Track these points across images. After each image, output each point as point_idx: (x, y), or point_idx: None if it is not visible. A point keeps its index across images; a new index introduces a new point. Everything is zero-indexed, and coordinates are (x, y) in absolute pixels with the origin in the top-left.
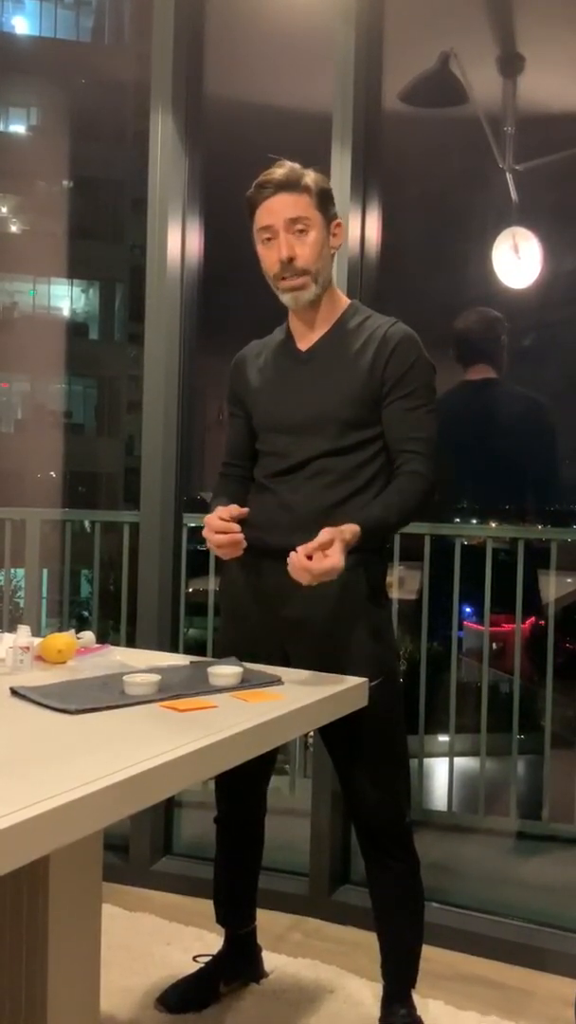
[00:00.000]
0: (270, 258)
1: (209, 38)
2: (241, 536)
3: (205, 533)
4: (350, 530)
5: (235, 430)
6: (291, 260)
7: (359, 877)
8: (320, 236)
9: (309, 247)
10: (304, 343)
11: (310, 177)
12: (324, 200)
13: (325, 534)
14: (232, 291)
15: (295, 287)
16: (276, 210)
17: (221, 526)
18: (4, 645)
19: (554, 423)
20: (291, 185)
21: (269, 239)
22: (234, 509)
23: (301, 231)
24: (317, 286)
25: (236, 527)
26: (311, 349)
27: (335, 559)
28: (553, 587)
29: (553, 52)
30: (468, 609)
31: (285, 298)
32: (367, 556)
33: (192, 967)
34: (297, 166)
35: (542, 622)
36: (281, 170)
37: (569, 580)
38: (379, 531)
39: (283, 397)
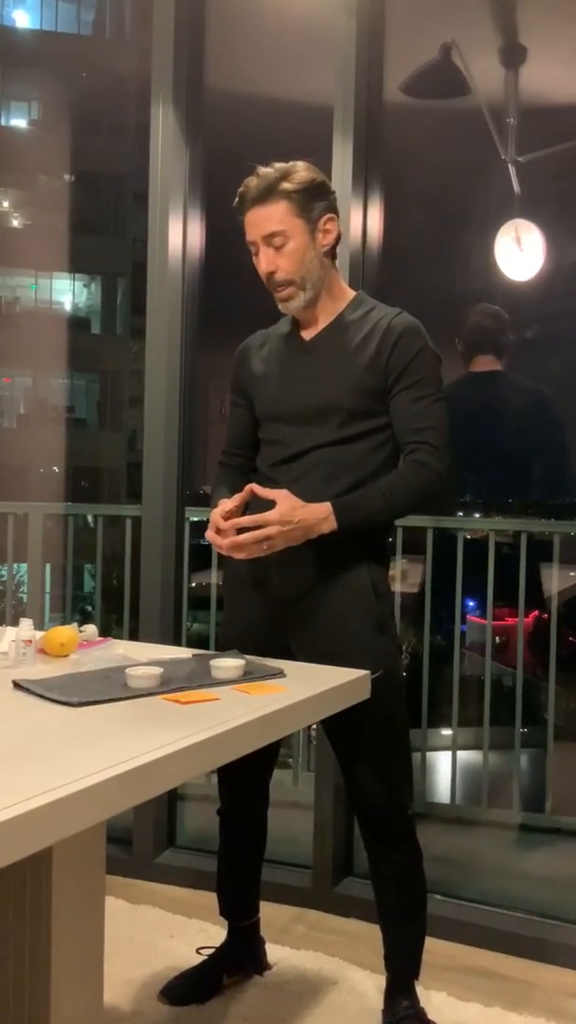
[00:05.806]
0: (259, 268)
1: (210, 31)
2: (241, 539)
3: (208, 535)
4: (320, 506)
5: (237, 419)
6: (272, 274)
7: (362, 869)
8: (301, 243)
9: (287, 258)
10: (308, 332)
11: (289, 179)
12: (306, 201)
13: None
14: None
15: (282, 298)
16: (253, 225)
17: (225, 526)
18: (7, 639)
19: (559, 415)
20: (262, 197)
21: (256, 252)
22: (237, 499)
23: (279, 245)
24: (306, 292)
25: (234, 533)
26: (315, 338)
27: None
28: (556, 580)
29: (555, 43)
30: (471, 602)
31: (279, 306)
32: (369, 549)
33: (195, 959)
34: (272, 171)
35: (545, 615)
36: (254, 181)
37: (572, 573)
38: (358, 510)
39: (286, 386)
